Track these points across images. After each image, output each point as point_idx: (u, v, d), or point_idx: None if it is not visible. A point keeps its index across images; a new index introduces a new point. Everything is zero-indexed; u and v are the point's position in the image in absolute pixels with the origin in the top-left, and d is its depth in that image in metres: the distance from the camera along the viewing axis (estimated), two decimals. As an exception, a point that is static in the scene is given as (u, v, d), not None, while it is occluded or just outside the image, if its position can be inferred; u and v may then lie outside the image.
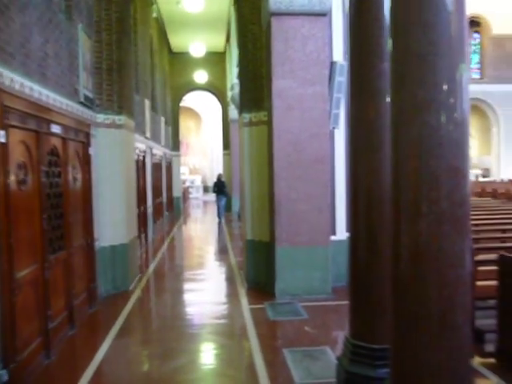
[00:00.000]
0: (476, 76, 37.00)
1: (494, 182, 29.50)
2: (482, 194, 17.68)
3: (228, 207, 21.36)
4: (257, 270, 8.65)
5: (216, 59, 23.73)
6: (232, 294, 8.51)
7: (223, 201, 19.57)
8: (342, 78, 7.77)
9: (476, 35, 37.17)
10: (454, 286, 3.03)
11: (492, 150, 36.97)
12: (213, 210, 23.11)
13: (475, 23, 36.05)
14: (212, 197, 21.51)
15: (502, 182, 29.66)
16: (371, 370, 4.09)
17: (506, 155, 35.98)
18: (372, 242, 4.22)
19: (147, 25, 15.55)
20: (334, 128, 7.97)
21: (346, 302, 5.86)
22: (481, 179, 34.96)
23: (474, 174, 36.32)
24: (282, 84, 7.65)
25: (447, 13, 3.03)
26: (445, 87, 3.01)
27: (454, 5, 3.03)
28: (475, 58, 37.47)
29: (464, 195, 3.03)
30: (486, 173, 37.53)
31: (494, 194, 16.88)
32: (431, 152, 3.00)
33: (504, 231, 8.54)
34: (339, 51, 8.21)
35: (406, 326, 3.14)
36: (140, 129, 12.70)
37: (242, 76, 8.96)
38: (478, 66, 37.25)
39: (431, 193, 3.00)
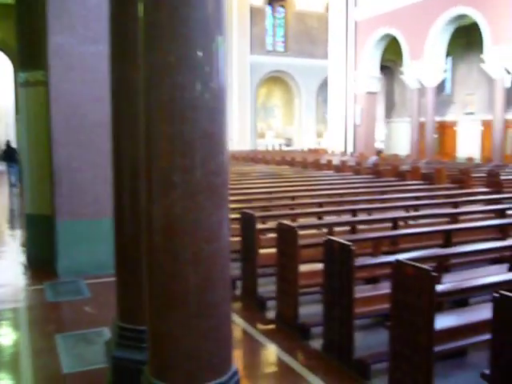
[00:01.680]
0: (280, 49, 38.72)
1: (294, 151, 31.40)
2: (281, 162, 18.51)
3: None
4: (39, 247, 7.83)
5: (5, 12, 21.26)
6: (10, 275, 7.62)
7: (15, 169, 17.89)
8: (128, 38, 7.20)
9: (281, 9, 38.73)
10: (211, 261, 2.81)
11: (294, 120, 39.27)
12: (4, 180, 21.00)
13: (280, -3, 37.59)
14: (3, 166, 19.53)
15: (301, 151, 31.69)
16: (138, 353, 3.77)
17: (307, 125, 38.47)
18: (137, 214, 3.85)
19: None
20: (121, 91, 7.40)
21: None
22: (284, 148, 37.05)
23: (277, 143, 38.35)
24: (59, 40, 6.84)
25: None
26: (200, 53, 2.73)
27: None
28: (280, 32, 39.10)
29: (220, 164, 2.79)
30: (289, 142, 39.82)
31: (292, 163, 17.76)
32: (184, 116, 2.70)
33: (293, 198, 8.85)
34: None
35: (162, 304, 2.87)
36: None
37: (17, 30, 7.91)
38: (282, 39, 38.97)
39: (184, 160, 2.71)
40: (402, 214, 7.33)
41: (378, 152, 26.58)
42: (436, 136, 25.15)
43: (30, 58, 7.64)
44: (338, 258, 4.17)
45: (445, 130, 26.29)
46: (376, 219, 6.69)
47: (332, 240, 4.24)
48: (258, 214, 6.23)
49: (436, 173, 12.64)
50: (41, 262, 7.80)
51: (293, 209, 8.11)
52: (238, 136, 35.66)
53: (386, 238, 5.65)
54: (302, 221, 7.47)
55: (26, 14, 7.66)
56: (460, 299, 5.07)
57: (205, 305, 2.80)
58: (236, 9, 34.92)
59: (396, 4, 23.02)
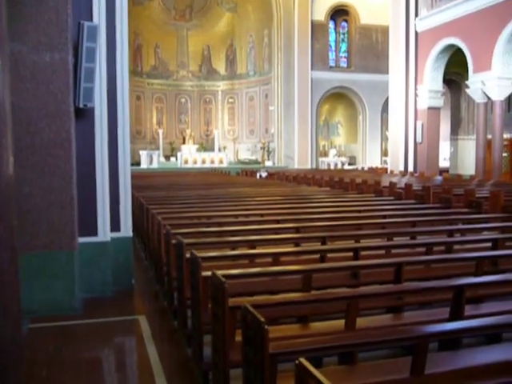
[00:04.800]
0: (344, 65, 37.28)
1: (354, 171, 29.76)
2: (328, 183, 17.06)
3: None
4: None
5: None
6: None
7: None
8: (92, 44, 6.25)
9: (344, 24, 37.35)
10: None
11: (358, 137, 37.56)
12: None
13: (344, 12, 36.18)
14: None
15: (361, 170, 30.00)
16: None
17: (371, 143, 36.70)
18: None
19: None
20: (85, 105, 6.45)
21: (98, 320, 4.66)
22: (346, 167, 35.42)
23: (340, 161, 36.76)
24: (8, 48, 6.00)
25: None
26: None
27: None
28: (343, 47, 37.70)
29: None
30: (353, 160, 38.11)
31: (333, 184, 16.27)
32: None
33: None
34: (97, 7, 6.65)
35: None
36: None
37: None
38: (345, 54, 37.53)
39: None
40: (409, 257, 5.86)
41: (442, 171, 24.51)
42: (506, 155, 22.85)
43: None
44: (252, 337, 2.88)
45: (517, 148, 23.89)
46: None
47: (247, 310, 2.95)
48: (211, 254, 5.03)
49: (491, 199, 10.88)
50: None
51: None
52: (299, 154, 34.52)
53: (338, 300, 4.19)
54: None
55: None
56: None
57: None
58: (297, 24, 34.03)
59: (459, 12, 21.11)
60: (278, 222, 7.98)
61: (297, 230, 7.27)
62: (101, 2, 6.64)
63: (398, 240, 7.07)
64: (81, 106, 6.34)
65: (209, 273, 4.11)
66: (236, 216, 8.65)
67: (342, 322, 4.08)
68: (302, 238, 6.74)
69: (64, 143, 6.10)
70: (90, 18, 6.59)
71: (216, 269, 4.64)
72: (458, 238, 6.81)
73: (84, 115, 6.64)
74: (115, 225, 7.08)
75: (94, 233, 6.82)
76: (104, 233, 6.91)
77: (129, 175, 7.19)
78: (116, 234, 7.11)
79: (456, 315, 4.10)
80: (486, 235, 7.13)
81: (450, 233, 7.10)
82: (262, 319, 2.76)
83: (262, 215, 8.75)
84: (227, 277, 4.01)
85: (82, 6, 6.50)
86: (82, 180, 6.61)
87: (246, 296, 5.03)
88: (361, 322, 4.12)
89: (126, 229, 7.24)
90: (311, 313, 4.42)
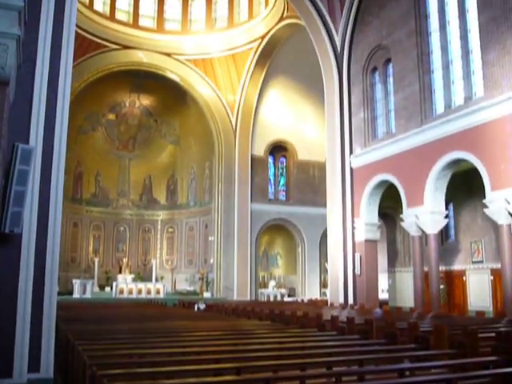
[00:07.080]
0: (282, 198, 38.28)
1: (293, 303, 29.28)
2: (268, 316, 16.49)
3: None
4: None
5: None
6: None
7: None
8: (25, 167, 5.91)
9: (283, 159, 38.92)
10: None
11: (297, 269, 37.60)
12: None
13: (282, 148, 37.86)
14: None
15: (301, 302, 29.56)
16: None
17: (310, 274, 36.75)
18: None
19: None
20: (12, 231, 5.95)
21: None
22: (286, 298, 34.90)
23: (280, 292, 36.28)
24: None
25: None
26: None
27: None
28: (282, 181, 38.98)
29: None
30: (293, 292, 37.73)
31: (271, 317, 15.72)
32: None
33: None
34: (34, 130, 6.40)
35: None
36: None
37: None
38: (284, 188, 38.71)
39: None
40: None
41: (381, 303, 24.45)
42: (443, 286, 23.18)
43: None
44: None
45: (453, 280, 24.33)
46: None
47: None
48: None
49: (435, 333, 10.64)
50: None
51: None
52: (238, 285, 34.00)
53: None
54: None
55: None
56: None
57: None
58: (237, 158, 35.24)
59: (391, 151, 22.41)
60: (217, 361, 7.35)
61: (237, 370, 6.68)
62: (39, 124, 6.41)
63: (346, 381, 6.59)
64: (6, 231, 5.84)
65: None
66: (171, 354, 7.94)
67: None
68: (244, 380, 6.14)
69: (-18, 272, 5.50)
70: (27, 140, 6.31)
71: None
72: (410, 378, 6.41)
73: (9, 241, 6.11)
74: (34, 364, 6.27)
75: (9, 374, 5.97)
76: (20, 374, 6.06)
77: (54, 307, 6.54)
78: (34, 375, 6.27)
79: None
80: (437, 374, 6.77)
81: (401, 372, 6.71)
82: None
83: (199, 353, 8.08)
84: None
85: (19, 126, 6.25)
86: (0, 311, 5.93)
87: None
88: None
89: (47, 369, 6.42)
90: None
